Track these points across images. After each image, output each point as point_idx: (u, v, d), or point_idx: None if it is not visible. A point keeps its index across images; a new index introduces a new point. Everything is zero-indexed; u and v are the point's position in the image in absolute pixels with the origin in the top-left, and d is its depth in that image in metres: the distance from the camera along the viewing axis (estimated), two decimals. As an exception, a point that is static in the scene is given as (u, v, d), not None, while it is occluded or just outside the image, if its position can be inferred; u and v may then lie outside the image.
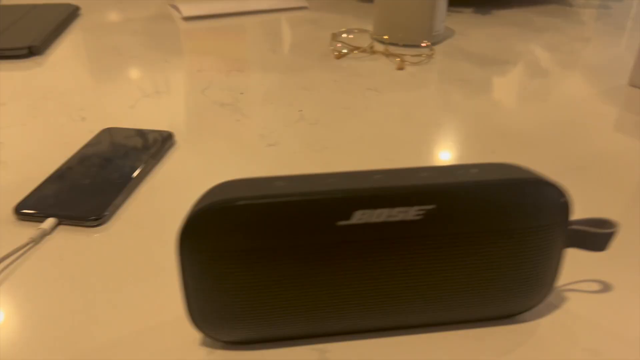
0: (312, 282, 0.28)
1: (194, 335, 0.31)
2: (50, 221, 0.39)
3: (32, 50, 0.71)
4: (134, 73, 0.67)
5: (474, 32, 0.80)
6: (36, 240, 0.38)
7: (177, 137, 0.51)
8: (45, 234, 0.39)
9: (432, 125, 0.55)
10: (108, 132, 0.51)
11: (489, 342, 0.30)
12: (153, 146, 0.48)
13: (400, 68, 0.66)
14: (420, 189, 0.27)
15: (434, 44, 0.72)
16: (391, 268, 0.28)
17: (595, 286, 0.34)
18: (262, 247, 0.27)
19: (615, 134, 0.52)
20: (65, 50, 0.74)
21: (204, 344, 0.30)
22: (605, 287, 0.34)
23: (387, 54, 0.70)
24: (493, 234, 0.28)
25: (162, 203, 0.42)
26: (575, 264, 0.36)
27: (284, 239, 0.26)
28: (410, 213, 0.27)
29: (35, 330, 0.31)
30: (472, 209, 0.27)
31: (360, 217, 0.26)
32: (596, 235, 0.31)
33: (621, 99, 0.59)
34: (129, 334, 0.31)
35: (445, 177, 0.27)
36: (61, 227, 0.40)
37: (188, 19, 0.86)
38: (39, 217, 0.40)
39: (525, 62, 0.69)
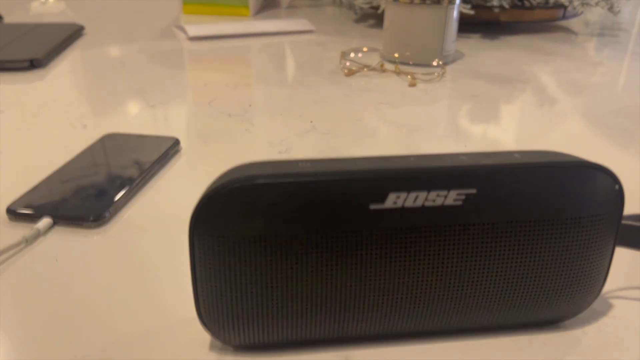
0: (339, 276, 0.24)
1: (202, 339, 0.28)
2: (45, 221, 0.36)
3: (34, 64, 0.70)
4: (138, 85, 0.65)
5: (484, 54, 0.79)
6: (29, 241, 0.35)
7: (183, 144, 0.49)
8: (39, 234, 0.36)
9: (448, 137, 0.52)
10: (110, 137, 0.49)
11: (530, 351, 0.27)
12: (157, 151, 0.46)
13: (413, 85, 0.65)
14: (460, 171, 0.24)
15: (444, 64, 0.71)
16: (427, 261, 0.25)
17: (642, 293, 0.31)
18: (283, 233, 0.23)
19: None
20: (68, 64, 0.73)
21: (213, 348, 0.27)
22: (654, 294, 0.31)
23: (398, 72, 0.69)
24: (539, 223, 0.25)
25: (166, 207, 0.40)
26: (617, 267, 0.33)
27: (308, 224, 0.23)
28: (450, 197, 0.24)
29: (27, 332, 0.28)
30: (516, 195, 0.24)
31: (395, 200, 0.24)
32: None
33: (641, 116, 0.58)
34: (129, 339, 0.28)
35: (485, 160, 0.25)
36: (57, 228, 0.37)
37: (194, 39, 0.85)
38: (33, 218, 0.37)
39: (539, 81, 0.68)
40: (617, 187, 0.25)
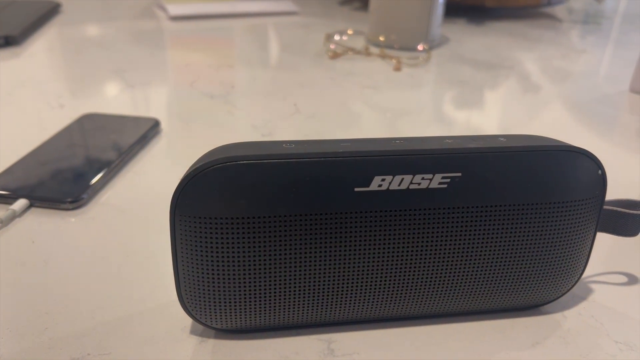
0: (323, 259, 0.24)
1: (182, 323, 0.27)
2: (21, 202, 0.35)
3: (9, 41, 0.68)
4: (118, 64, 0.63)
5: (470, 39, 0.79)
6: (5, 222, 0.34)
7: (164, 126, 0.48)
8: (15, 216, 0.35)
9: (432, 122, 0.52)
10: (88, 117, 0.48)
11: (511, 334, 0.27)
12: (137, 132, 0.45)
13: (398, 69, 0.64)
14: (445, 154, 0.24)
15: (430, 48, 0.70)
16: (411, 244, 0.25)
17: (622, 278, 0.32)
18: (266, 215, 0.23)
19: (620, 137, 0.51)
20: (45, 42, 0.71)
21: (194, 332, 0.27)
22: (634, 280, 0.32)
23: (383, 56, 0.68)
24: (523, 207, 0.25)
25: (145, 189, 0.39)
26: (598, 252, 0.33)
27: (292, 206, 0.23)
28: (435, 181, 0.24)
29: (2, 314, 0.27)
30: (501, 179, 0.24)
31: (380, 183, 0.23)
32: (629, 218, 0.28)
33: (624, 104, 0.58)
34: (107, 323, 0.27)
35: (471, 144, 0.25)
36: (34, 210, 0.36)
37: (175, 18, 0.83)
38: (9, 199, 0.36)
39: (524, 68, 0.68)
40: (599, 172, 0.25)
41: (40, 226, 0.34)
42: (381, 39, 0.71)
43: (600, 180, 0.26)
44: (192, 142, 0.46)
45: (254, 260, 0.24)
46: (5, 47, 0.67)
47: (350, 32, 0.76)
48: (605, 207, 0.28)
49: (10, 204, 0.35)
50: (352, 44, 0.72)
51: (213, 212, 0.23)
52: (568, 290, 0.28)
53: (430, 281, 0.26)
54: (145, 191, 0.39)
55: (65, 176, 0.38)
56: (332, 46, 0.71)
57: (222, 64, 0.65)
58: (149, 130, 0.45)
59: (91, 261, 0.31)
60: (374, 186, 0.23)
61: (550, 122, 0.54)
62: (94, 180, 0.38)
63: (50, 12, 0.81)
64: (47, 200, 0.36)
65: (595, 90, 0.62)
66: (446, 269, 0.26)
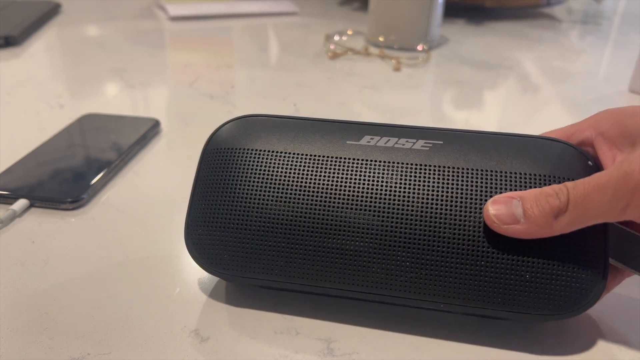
0: (317, 196, 0.27)
1: (183, 323, 0.27)
2: (21, 202, 0.35)
3: (9, 41, 0.68)
4: (117, 65, 0.63)
5: (469, 40, 0.79)
6: (4, 222, 0.34)
7: (164, 126, 0.48)
8: (15, 216, 0.35)
9: (431, 122, 0.52)
10: (88, 117, 0.48)
11: (511, 334, 0.27)
12: (137, 132, 0.45)
13: (397, 69, 0.64)
14: (430, 130, 0.28)
15: (429, 48, 0.70)
16: (393, 197, 0.26)
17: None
18: (275, 150, 0.28)
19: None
20: (45, 43, 0.71)
21: (194, 332, 0.27)
22: (634, 278, 0.31)
23: (383, 56, 0.68)
24: (498, 174, 0.26)
25: (145, 189, 0.39)
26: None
27: (294, 147, 0.28)
28: (418, 144, 0.27)
29: (2, 315, 0.27)
30: (482, 150, 0.27)
31: (368, 140, 0.28)
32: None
33: (623, 104, 0.58)
34: (108, 322, 0.27)
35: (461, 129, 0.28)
36: (34, 210, 0.36)
37: (175, 19, 0.83)
38: (9, 199, 0.36)
39: (523, 68, 0.68)
40: (590, 162, 0.26)
41: (40, 226, 0.34)
42: (381, 39, 0.71)
43: (593, 171, 0.25)
44: (192, 142, 0.46)
45: (263, 188, 0.27)
46: (5, 47, 0.67)
47: (349, 32, 0.76)
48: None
49: (10, 204, 0.35)
50: (351, 44, 0.72)
51: (235, 145, 0.29)
52: (573, 313, 0.25)
53: (413, 239, 0.26)
54: (145, 191, 0.39)
55: (65, 176, 0.38)
56: (331, 46, 0.71)
57: (221, 64, 0.65)
58: (149, 130, 0.46)
59: (91, 261, 0.31)
60: (363, 142, 0.28)
61: (549, 122, 0.54)
62: (94, 181, 0.38)
63: (50, 12, 0.81)
64: (47, 200, 0.36)
65: (595, 90, 0.62)
66: (430, 230, 0.26)
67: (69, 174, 0.39)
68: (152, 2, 0.92)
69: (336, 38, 0.74)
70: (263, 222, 0.27)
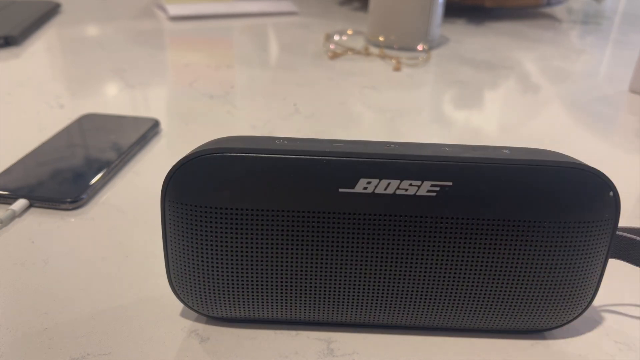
0: (302, 257, 0.24)
1: (183, 323, 0.27)
2: (21, 202, 0.35)
3: (9, 41, 0.68)
4: (117, 64, 0.63)
5: (469, 40, 0.79)
6: (4, 222, 0.34)
7: (163, 126, 0.48)
8: (14, 216, 0.35)
9: (431, 122, 0.52)
10: (88, 117, 0.48)
11: (511, 334, 0.27)
12: (136, 132, 0.45)
13: (397, 69, 0.64)
14: (437, 162, 0.23)
15: (429, 48, 0.70)
16: (394, 250, 0.24)
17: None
18: (249, 208, 0.23)
19: (621, 138, 0.51)
20: (44, 43, 0.71)
21: (194, 332, 0.27)
22: (634, 277, 0.31)
23: (383, 56, 0.68)
24: (521, 224, 0.23)
25: (145, 189, 0.39)
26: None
27: (275, 201, 0.23)
28: (423, 188, 0.23)
29: (2, 314, 0.27)
30: (496, 192, 0.23)
31: (365, 185, 0.23)
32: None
33: (623, 104, 0.58)
34: (108, 322, 0.27)
35: (468, 153, 0.24)
36: (33, 210, 0.36)
37: (174, 19, 0.83)
38: (9, 199, 0.36)
39: (523, 68, 0.68)
40: (611, 193, 0.24)
41: (40, 226, 0.34)
42: (381, 39, 0.71)
43: (611, 202, 0.24)
44: (191, 142, 0.45)
45: (236, 251, 0.24)
46: (5, 47, 0.67)
47: (349, 32, 0.76)
48: (619, 232, 0.26)
49: (10, 204, 0.35)
50: (351, 44, 0.72)
51: (199, 200, 0.23)
52: (575, 317, 0.26)
53: (414, 292, 0.25)
54: (145, 191, 0.39)
55: (64, 176, 0.38)
56: (331, 46, 0.71)
57: (221, 64, 0.65)
58: (149, 130, 0.45)
59: (91, 261, 0.31)
60: (358, 188, 0.23)
61: (550, 123, 0.54)
62: (93, 181, 0.38)
63: (50, 12, 0.81)
64: (47, 201, 0.36)
65: (595, 90, 0.62)
66: (433, 280, 0.25)
67: (69, 174, 0.39)
68: (151, 2, 0.92)
69: (336, 38, 0.74)
70: (246, 289, 0.25)
